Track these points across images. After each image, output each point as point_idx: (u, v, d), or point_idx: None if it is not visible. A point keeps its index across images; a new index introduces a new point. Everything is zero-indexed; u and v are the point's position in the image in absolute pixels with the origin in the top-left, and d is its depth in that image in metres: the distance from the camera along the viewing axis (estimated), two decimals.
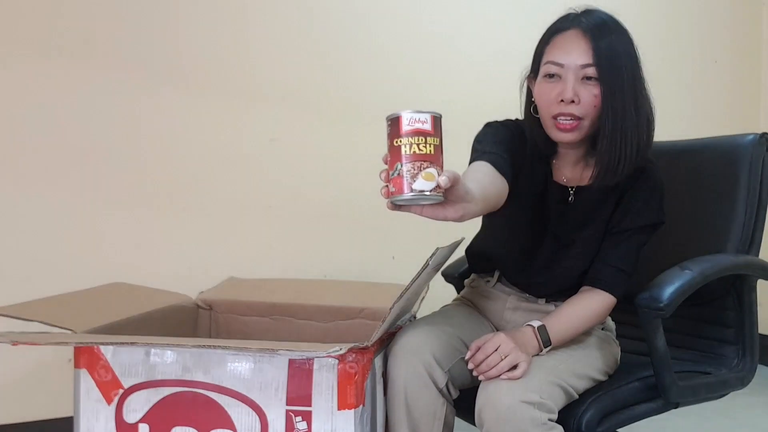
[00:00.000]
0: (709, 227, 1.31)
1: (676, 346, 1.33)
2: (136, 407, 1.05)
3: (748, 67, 2.70)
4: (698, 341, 1.32)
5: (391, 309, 1.00)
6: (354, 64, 2.05)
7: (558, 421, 1.01)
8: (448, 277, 1.55)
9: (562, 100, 1.06)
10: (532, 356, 1.07)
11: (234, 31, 1.91)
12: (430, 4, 2.15)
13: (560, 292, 1.20)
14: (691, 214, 1.35)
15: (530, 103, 1.17)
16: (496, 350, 1.02)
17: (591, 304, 1.14)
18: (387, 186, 0.83)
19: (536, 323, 1.10)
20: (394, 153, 0.83)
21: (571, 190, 1.18)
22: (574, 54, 1.06)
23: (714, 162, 1.34)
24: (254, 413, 1.01)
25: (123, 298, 1.42)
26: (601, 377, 1.15)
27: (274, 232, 1.96)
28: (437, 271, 1.22)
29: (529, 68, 1.17)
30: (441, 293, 1.43)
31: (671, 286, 1.08)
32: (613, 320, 1.29)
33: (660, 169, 1.16)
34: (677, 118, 2.55)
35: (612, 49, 1.06)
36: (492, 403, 0.99)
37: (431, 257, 0.98)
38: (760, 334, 1.32)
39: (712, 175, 1.33)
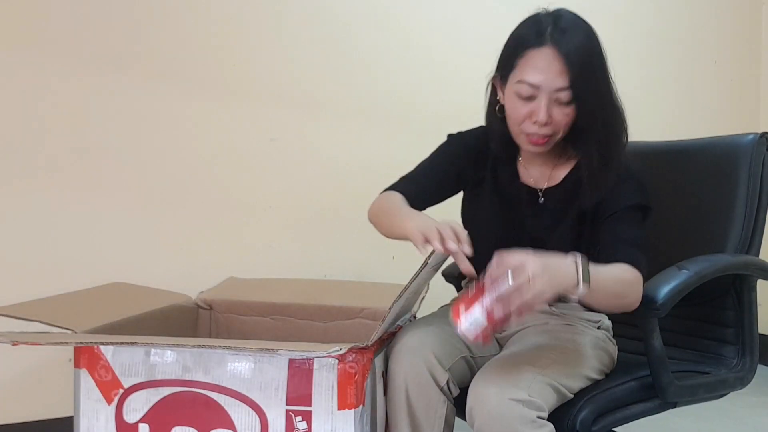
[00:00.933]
0: (709, 227, 1.31)
1: (676, 345, 1.33)
2: (136, 407, 1.05)
3: (748, 67, 2.70)
4: (698, 341, 1.32)
5: (390, 309, 1.01)
6: (354, 64, 2.05)
7: (552, 420, 1.01)
8: (448, 277, 1.55)
9: (535, 122, 1.07)
10: (561, 299, 1.01)
11: (234, 30, 1.91)
12: (430, 5, 2.15)
13: None
14: (691, 214, 1.35)
15: (495, 103, 1.17)
16: (529, 280, 0.87)
17: (624, 270, 1.03)
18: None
19: (579, 256, 0.95)
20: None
21: (540, 191, 1.20)
22: (549, 76, 1.04)
23: (714, 162, 1.34)
24: (254, 413, 1.02)
25: (123, 298, 1.42)
26: (597, 376, 1.15)
27: (274, 232, 1.96)
28: (437, 270, 1.22)
29: (496, 68, 1.16)
30: (441, 293, 1.43)
31: (667, 286, 1.08)
32: (609, 319, 1.29)
33: (635, 165, 1.16)
34: (677, 118, 2.56)
35: (585, 74, 1.05)
36: (481, 401, 0.99)
37: (429, 256, 0.99)
38: (760, 334, 1.32)
39: (712, 175, 1.33)
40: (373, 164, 2.04)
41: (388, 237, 1.17)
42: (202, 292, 1.55)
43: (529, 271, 0.87)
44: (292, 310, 1.46)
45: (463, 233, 0.98)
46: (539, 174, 1.20)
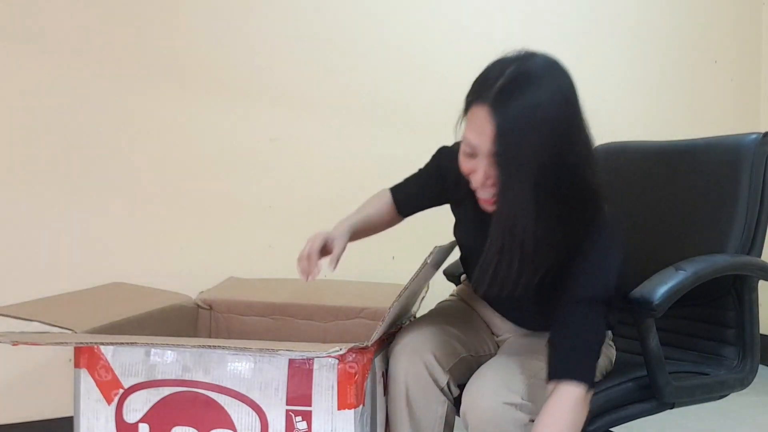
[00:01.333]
0: (710, 227, 1.31)
1: (676, 346, 1.33)
2: (136, 407, 1.05)
3: (748, 66, 2.70)
4: (698, 342, 1.32)
5: (390, 309, 1.01)
6: (354, 64, 2.05)
7: None
8: (449, 276, 1.55)
9: (476, 182, 0.97)
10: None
11: (234, 30, 1.91)
12: (430, 5, 2.15)
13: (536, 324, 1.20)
14: (691, 215, 1.35)
15: None
16: None
17: (566, 404, 0.93)
18: None
19: None
20: None
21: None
22: (483, 138, 0.92)
23: (715, 162, 1.33)
24: (254, 413, 1.02)
25: (123, 298, 1.42)
26: (598, 377, 1.15)
27: (274, 232, 1.96)
28: (436, 269, 1.22)
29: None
30: (441, 292, 1.43)
31: (664, 286, 1.08)
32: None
33: (618, 235, 1.02)
34: (677, 117, 2.56)
35: (517, 141, 0.89)
36: (475, 404, 0.99)
37: (429, 256, 0.99)
38: (761, 335, 1.31)
39: (714, 175, 1.32)
40: (373, 164, 2.04)
41: None
42: (202, 292, 1.55)
43: None
44: (292, 310, 1.46)
45: (338, 248, 1.18)
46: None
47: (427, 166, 1.28)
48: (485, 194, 0.98)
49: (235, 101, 1.91)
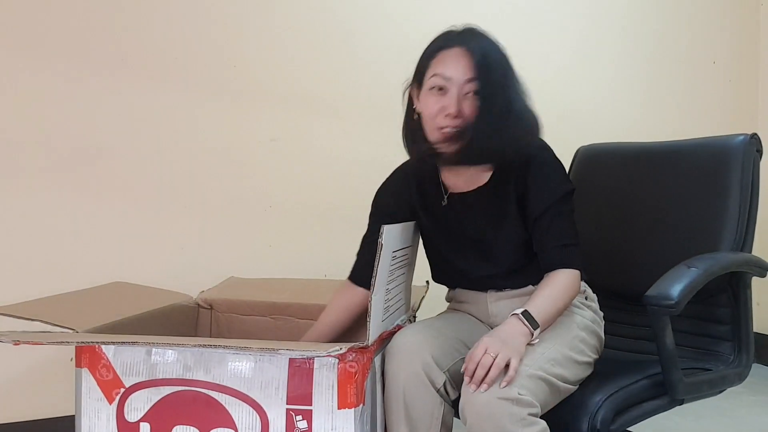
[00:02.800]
0: (703, 227, 1.32)
1: (675, 343, 1.34)
2: (138, 406, 1.05)
3: (747, 67, 2.70)
4: (695, 338, 1.33)
5: (370, 301, 1.01)
6: (354, 64, 2.06)
7: (571, 419, 1.02)
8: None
9: (447, 114, 1.13)
10: (526, 344, 1.06)
11: (234, 30, 1.91)
12: (430, 5, 2.15)
13: (518, 278, 1.22)
14: (684, 214, 1.36)
15: (411, 112, 1.22)
16: (485, 353, 1.00)
17: (559, 281, 1.13)
18: None
19: (519, 310, 1.08)
20: None
21: (470, 193, 1.22)
22: (460, 69, 1.13)
23: (707, 162, 1.35)
24: (255, 412, 1.02)
25: (124, 297, 1.42)
26: (590, 358, 1.16)
27: (274, 232, 1.97)
28: (410, 258, 1.25)
29: (412, 78, 1.23)
30: (441, 293, 1.43)
31: (680, 284, 1.10)
32: (605, 317, 1.29)
33: (550, 150, 1.20)
34: (676, 118, 2.56)
35: (488, 66, 1.13)
36: (471, 401, 0.99)
37: (380, 236, 1.00)
38: (759, 333, 1.32)
39: (706, 175, 1.34)
40: (373, 164, 2.04)
41: None
42: (203, 291, 1.55)
43: (491, 352, 0.99)
44: (292, 310, 1.46)
45: None
46: (464, 179, 1.23)
47: (370, 224, 1.34)
48: (455, 122, 1.13)
49: (235, 101, 1.92)
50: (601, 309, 1.28)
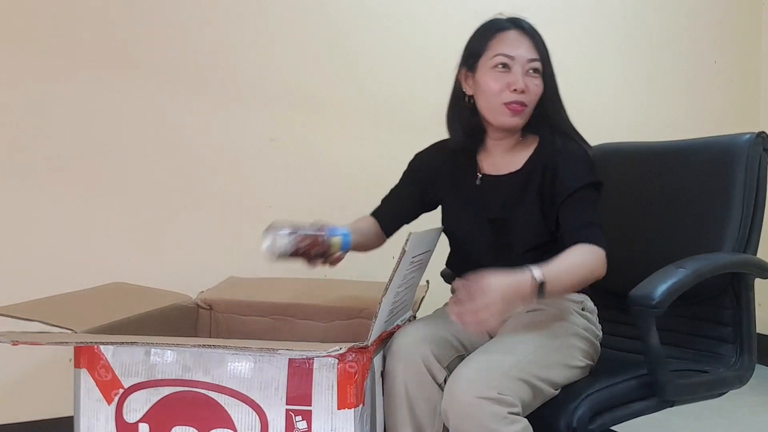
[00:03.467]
0: (706, 226, 1.32)
1: (675, 344, 1.34)
2: (137, 407, 1.05)
3: (748, 67, 2.70)
4: (696, 340, 1.33)
5: (380, 304, 1.01)
6: (354, 65, 2.06)
7: (549, 417, 1.02)
8: (446, 277, 1.55)
9: (514, 90, 1.18)
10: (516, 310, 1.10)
11: (234, 30, 1.91)
12: (430, 5, 2.15)
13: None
14: (688, 213, 1.36)
15: (461, 95, 1.28)
16: (484, 305, 0.97)
17: (580, 252, 1.11)
18: None
19: (538, 275, 1.02)
20: None
21: (502, 177, 1.26)
22: (522, 49, 1.20)
23: (711, 161, 1.34)
24: (254, 413, 1.02)
25: (123, 297, 1.42)
26: (581, 364, 1.15)
27: None
28: (424, 263, 1.23)
29: (461, 62, 1.28)
30: (441, 293, 1.43)
31: (664, 284, 1.09)
32: (605, 317, 1.29)
33: (585, 145, 1.24)
34: (677, 118, 2.56)
35: (546, 50, 1.23)
36: (453, 399, 1.00)
37: (406, 243, 0.99)
38: (760, 334, 1.32)
39: (710, 175, 1.33)
40: (373, 164, 2.04)
41: None
42: (202, 291, 1.55)
43: (488, 298, 0.97)
44: (292, 310, 1.46)
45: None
46: (500, 161, 1.28)
47: (401, 180, 1.40)
48: (521, 98, 1.19)
49: (235, 101, 1.91)
50: (602, 309, 1.27)
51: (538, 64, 1.20)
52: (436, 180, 1.34)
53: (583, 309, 1.24)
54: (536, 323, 1.17)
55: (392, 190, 1.41)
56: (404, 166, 1.40)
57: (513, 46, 1.20)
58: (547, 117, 1.23)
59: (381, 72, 2.09)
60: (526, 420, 1.01)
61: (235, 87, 1.92)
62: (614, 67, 2.46)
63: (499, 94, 1.20)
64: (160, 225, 1.84)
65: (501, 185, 1.25)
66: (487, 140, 1.29)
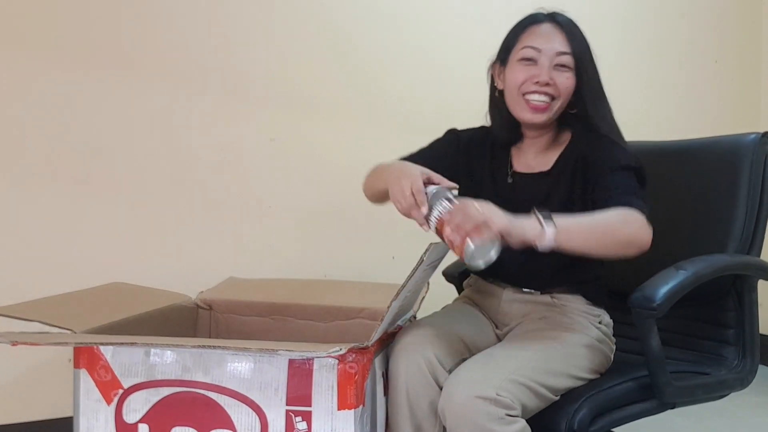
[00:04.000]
0: (710, 227, 1.31)
1: (676, 346, 1.33)
2: (136, 407, 1.05)
3: (749, 67, 2.70)
4: (698, 342, 1.32)
5: (388, 308, 1.00)
6: (354, 65, 2.05)
7: (549, 420, 1.01)
8: (448, 276, 1.55)
9: (536, 82, 1.14)
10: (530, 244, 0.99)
11: (234, 30, 1.91)
12: (430, 6, 2.15)
13: (550, 281, 1.20)
14: (692, 214, 1.35)
15: (494, 90, 1.25)
16: (476, 210, 0.94)
17: (616, 214, 1.02)
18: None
19: (547, 221, 0.96)
20: None
21: (536, 176, 1.22)
22: (552, 42, 1.15)
23: (715, 162, 1.33)
24: (254, 413, 1.01)
25: (122, 298, 1.42)
26: (588, 376, 1.14)
27: (274, 232, 1.96)
28: (434, 268, 1.22)
29: (495, 56, 1.24)
30: (441, 292, 1.43)
31: (665, 286, 1.08)
32: (614, 318, 1.28)
33: (625, 146, 1.18)
34: (678, 117, 2.56)
35: (583, 45, 1.18)
36: (450, 398, 1.00)
37: (425, 253, 0.99)
38: (762, 335, 1.31)
39: (714, 175, 1.33)
40: (372, 164, 2.04)
41: (373, 199, 1.25)
42: (202, 292, 1.55)
43: (487, 211, 0.94)
44: (292, 310, 1.46)
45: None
46: (534, 160, 1.24)
47: (433, 144, 1.32)
48: (539, 98, 1.15)
49: (235, 101, 1.91)
50: (606, 310, 1.26)
51: (567, 59, 1.15)
52: (470, 167, 1.28)
53: (600, 322, 1.22)
54: (545, 330, 1.16)
55: (419, 151, 1.29)
56: None
57: (542, 39, 1.16)
58: (583, 115, 1.18)
59: (381, 72, 2.08)
60: (524, 421, 1.00)
61: (236, 87, 1.91)
62: (615, 67, 2.45)
63: (521, 86, 1.16)
64: (160, 225, 1.83)
65: (531, 185, 1.22)
66: (523, 137, 1.26)
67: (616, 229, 1.01)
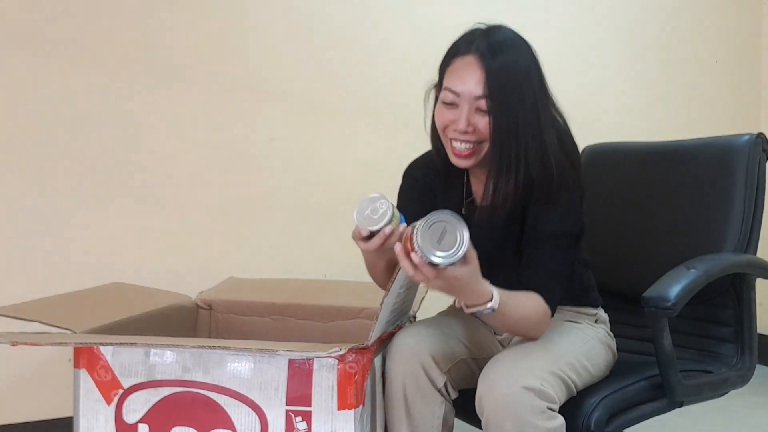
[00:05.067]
0: (707, 227, 1.32)
1: (677, 345, 1.33)
2: (136, 407, 1.05)
3: (749, 67, 2.70)
4: (698, 340, 1.33)
5: (381, 304, 1.00)
6: (354, 64, 2.05)
7: (565, 421, 1.00)
8: None
9: (455, 129, 1.07)
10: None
11: (234, 30, 1.91)
12: (430, 6, 2.15)
13: None
14: (689, 214, 1.36)
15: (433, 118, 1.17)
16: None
17: (534, 308, 1.04)
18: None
19: (496, 301, 0.97)
20: None
21: (486, 208, 1.14)
22: (470, 83, 1.05)
23: (711, 162, 1.34)
24: (254, 413, 1.01)
25: (122, 298, 1.42)
26: (601, 373, 1.15)
27: (274, 232, 1.96)
28: None
29: (438, 80, 1.15)
30: (442, 294, 1.43)
31: (678, 285, 1.08)
32: (611, 318, 1.28)
33: (580, 176, 1.12)
34: (677, 118, 2.56)
35: (504, 83, 1.04)
36: (491, 387, 0.98)
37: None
38: (760, 334, 1.32)
39: (710, 175, 1.33)
40: (372, 164, 2.04)
41: (380, 281, 1.18)
42: (202, 292, 1.55)
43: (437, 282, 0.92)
44: (292, 310, 1.46)
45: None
46: (488, 186, 1.14)
47: (401, 187, 1.27)
48: (462, 146, 1.08)
49: (235, 101, 1.91)
50: (604, 309, 1.27)
51: (484, 103, 1.04)
52: (430, 197, 1.24)
53: (596, 321, 1.22)
54: (560, 328, 1.16)
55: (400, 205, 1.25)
56: (404, 166, 1.38)
57: (461, 79, 1.06)
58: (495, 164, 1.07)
59: (381, 72, 2.08)
60: (562, 418, 0.99)
61: (236, 87, 1.91)
62: (615, 67, 2.46)
63: (445, 130, 1.10)
64: (159, 225, 1.83)
65: (484, 221, 1.14)
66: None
67: (529, 327, 1.06)
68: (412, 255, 0.90)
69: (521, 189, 1.08)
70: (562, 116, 1.14)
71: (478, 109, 1.06)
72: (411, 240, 0.90)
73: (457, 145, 1.08)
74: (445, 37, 2.16)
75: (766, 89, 2.70)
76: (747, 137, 1.30)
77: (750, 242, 1.27)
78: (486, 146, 1.08)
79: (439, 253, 0.89)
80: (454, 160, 1.11)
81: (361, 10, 2.06)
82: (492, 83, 1.04)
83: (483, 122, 1.06)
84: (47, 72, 1.72)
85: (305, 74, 1.99)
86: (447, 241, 0.90)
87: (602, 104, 2.40)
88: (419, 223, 0.90)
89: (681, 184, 1.38)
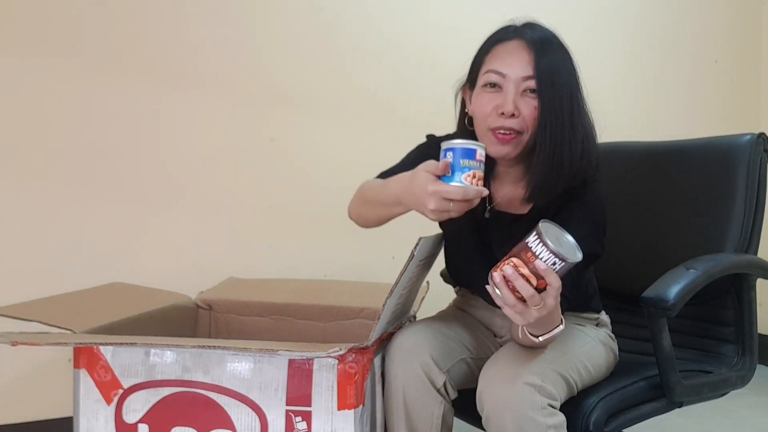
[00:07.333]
0: (707, 227, 1.32)
1: (676, 345, 1.33)
2: (136, 407, 1.05)
3: (749, 67, 2.70)
4: (698, 340, 1.33)
5: (384, 306, 1.00)
6: (354, 64, 2.05)
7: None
8: (446, 277, 1.55)
9: (502, 113, 1.03)
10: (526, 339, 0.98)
11: (234, 30, 1.91)
12: (430, 6, 2.15)
13: None
14: (689, 214, 1.36)
15: (464, 115, 1.14)
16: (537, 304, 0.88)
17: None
18: None
19: (562, 319, 0.97)
20: None
21: (507, 216, 1.14)
22: (517, 65, 1.03)
23: (712, 162, 1.34)
24: (254, 413, 1.01)
25: (122, 298, 1.42)
26: (601, 374, 1.15)
27: (274, 232, 1.96)
28: (429, 266, 1.22)
29: (465, 77, 1.14)
30: (441, 293, 1.43)
31: (677, 285, 1.09)
32: (611, 318, 1.28)
33: (601, 192, 1.10)
34: (677, 118, 2.56)
35: (553, 65, 1.03)
36: (492, 383, 0.98)
37: (415, 248, 0.99)
38: (760, 334, 1.32)
39: (711, 175, 1.33)
40: (372, 164, 2.03)
41: (377, 224, 1.16)
42: (202, 292, 1.55)
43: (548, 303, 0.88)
44: (292, 310, 1.46)
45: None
46: (511, 193, 1.14)
47: (411, 154, 1.23)
48: (510, 123, 1.02)
49: (235, 101, 1.91)
50: (604, 310, 1.27)
51: (532, 83, 1.02)
52: None
53: (597, 324, 1.22)
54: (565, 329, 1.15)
55: (397, 165, 1.22)
56: None
57: (507, 62, 1.04)
58: (549, 148, 1.03)
59: (381, 72, 2.08)
60: (563, 416, 0.99)
61: (235, 87, 1.91)
62: (614, 67, 2.46)
63: (487, 119, 1.05)
64: (159, 225, 1.83)
65: (508, 228, 1.12)
66: (496, 166, 1.13)
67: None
68: (537, 263, 0.84)
69: (562, 180, 1.04)
70: (590, 122, 1.11)
71: (525, 92, 1.03)
72: (530, 250, 0.85)
73: (500, 130, 1.04)
74: (447, 36, 2.17)
75: (766, 89, 2.70)
76: (748, 137, 1.30)
77: (750, 242, 1.27)
78: (525, 138, 1.04)
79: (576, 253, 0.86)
80: (495, 149, 1.04)
81: (363, 9, 2.06)
82: (541, 64, 1.02)
83: (529, 108, 1.02)
84: (47, 72, 1.72)
85: (305, 74, 1.99)
86: (562, 242, 0.87)
87: (601, 105, 2.40)
88: (535, 234, 0.86)
89: (681, 184, 1.38)
